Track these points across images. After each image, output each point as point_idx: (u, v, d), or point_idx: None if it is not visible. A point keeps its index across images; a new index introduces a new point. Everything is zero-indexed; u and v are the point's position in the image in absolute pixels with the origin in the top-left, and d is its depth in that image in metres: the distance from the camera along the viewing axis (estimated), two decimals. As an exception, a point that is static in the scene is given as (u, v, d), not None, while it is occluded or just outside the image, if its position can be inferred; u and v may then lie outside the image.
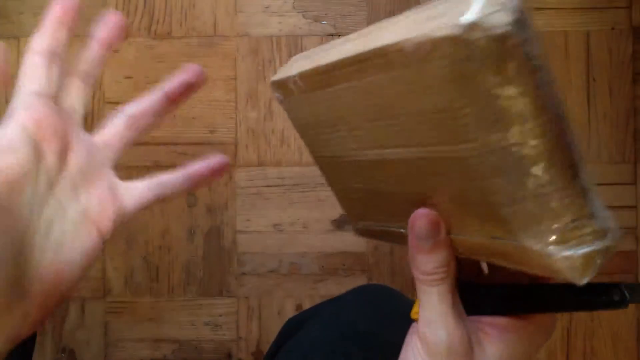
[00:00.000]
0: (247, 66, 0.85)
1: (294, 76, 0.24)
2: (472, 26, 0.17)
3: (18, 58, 0.85)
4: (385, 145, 0.23)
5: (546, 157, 0.18)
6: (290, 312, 0.83)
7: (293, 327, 0.45)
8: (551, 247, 0.19)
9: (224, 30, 0.85)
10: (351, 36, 0.23)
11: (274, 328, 0.82)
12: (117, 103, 0.84)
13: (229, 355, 0.82)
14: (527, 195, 0.19)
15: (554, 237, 0.19)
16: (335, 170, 0.28)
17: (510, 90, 0.17)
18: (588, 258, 0.19)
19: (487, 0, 0.17)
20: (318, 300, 0.82)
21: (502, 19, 0.16)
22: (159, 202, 0.29)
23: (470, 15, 0.17)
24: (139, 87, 0.84)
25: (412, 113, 0.20)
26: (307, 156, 0.83)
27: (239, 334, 0.83)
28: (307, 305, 0.82)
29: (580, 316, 0.81)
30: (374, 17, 0.85)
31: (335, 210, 0.83)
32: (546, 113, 0.18)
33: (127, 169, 0.83)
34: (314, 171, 0.83)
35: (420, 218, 0.23)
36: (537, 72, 0.17)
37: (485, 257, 0.22)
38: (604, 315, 0.82)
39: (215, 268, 0.83)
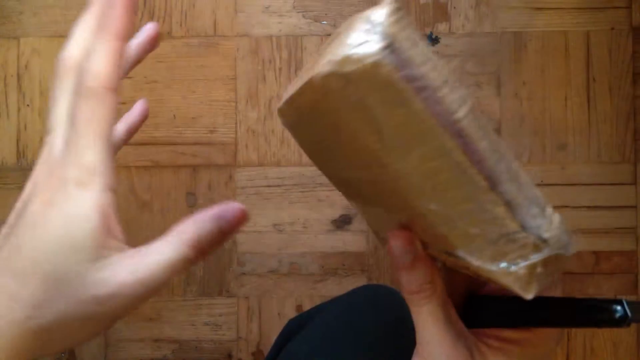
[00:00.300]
0: (247, 66, 0.84)
1: (282, 105, 0.24)
2: (345, 60, 0.17)
3: (18, 58, 0.85)
4: (346, 167, 0.23)
5: (454, 175, 0.18)
6: (290, 312, 0.83)
7: (294, 329, 0.46)
8: (489, 263, 0.19)
9: (224, 30, 0.85)
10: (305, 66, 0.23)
11: (274, 328, 0.82)
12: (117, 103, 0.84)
13: (229, 355, 0.83)
14: (452, 213, 0.19)
15: (488, 253, 0.19)
16: (341, 188, 0.28)
17: (397, 115, 0.17)
18: (528, 271, 0.19)
19: (361, 33, 0.17)
20: (318, 301, 0.82)
21: (371, 49, 0.17)
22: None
23: (343, 49, 0.17)
24: (139, 87, 0.84)
25: (345, 140, 0.20)
26: (307, 156, 0.83)
27: (239, 334, 0.83)
28: (307, 305, 0.82)
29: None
30: (374, 17, 0.85)
31: (335, 210, 0.83)
32: (442, 132, 0.18)
33: (126, 168, 0.83)
34: (314, 171, 0.83)
35: (393, 237, 0.23)
36: (421, 92, 0.17)
37: (464, 270, 0.22)
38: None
39: (215, 268, 0.83)
